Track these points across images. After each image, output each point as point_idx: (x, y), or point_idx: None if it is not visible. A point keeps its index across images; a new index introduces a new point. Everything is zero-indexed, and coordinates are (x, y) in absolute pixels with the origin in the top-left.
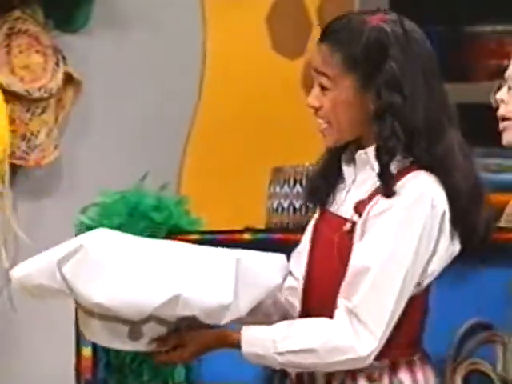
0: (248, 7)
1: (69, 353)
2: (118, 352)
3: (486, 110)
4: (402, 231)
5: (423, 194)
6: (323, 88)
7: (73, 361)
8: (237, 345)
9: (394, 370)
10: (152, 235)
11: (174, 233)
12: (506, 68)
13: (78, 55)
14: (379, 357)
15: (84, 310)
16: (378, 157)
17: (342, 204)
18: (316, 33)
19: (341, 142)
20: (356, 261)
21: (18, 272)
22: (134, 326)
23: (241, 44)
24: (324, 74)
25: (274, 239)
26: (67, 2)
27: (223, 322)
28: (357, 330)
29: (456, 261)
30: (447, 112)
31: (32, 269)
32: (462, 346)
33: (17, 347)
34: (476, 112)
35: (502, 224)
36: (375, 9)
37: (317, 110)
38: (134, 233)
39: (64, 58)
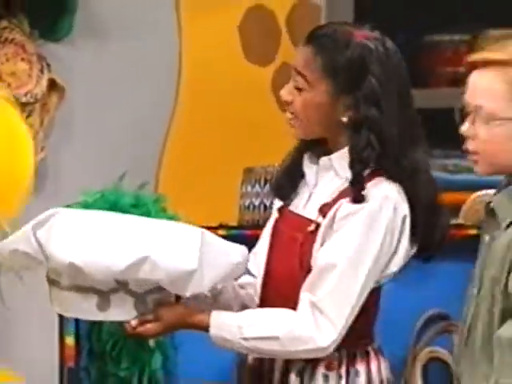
0: (221, 17)
1: (52, 342)
2: (99, 340)
3: (445, 115)
4: (367, 232)
5: (387, 198)
6: (299, 88)
7: (57, 350)
8: (205, 327)
9: (351, 359)
10: None
11: None
12: (462, 75)
13: (61, 63)
14: (338, 347)
15: (54, 284)
16: (352, 165)
17: (305, 205)
18: (285, 41)
19: (308, 136)
20: (322, 258)
21: None
22: (103, 296)
23: (215, 51)
24: (302, 75)
25: (246, 235)
26: (51, 13)
27: (187, 294)
28: (319, 322)
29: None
30: (417, 130)
31: (9, 238)
32: (421, 335)
33: (1, 338)
34: (435, 116)
35: (459, 221)
36: (361, 24)
37: (288, 103)
38: None
39: (48, 65)
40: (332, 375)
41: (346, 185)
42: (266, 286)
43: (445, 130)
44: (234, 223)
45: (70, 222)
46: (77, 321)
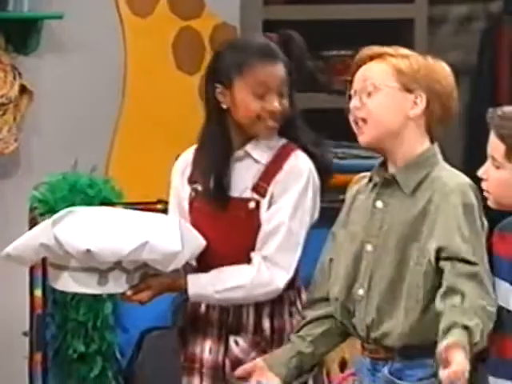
0: (157, 36)
1: (24, 294)
2: (61, 292)
3: (337, 113)
4: (302, 198)
5: (310, 170)
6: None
7: (27, 300)
8: (184, 288)
9: (298, 294)
10: (87, 206)
11: (103, 204)
12: (349, 80)
13: (30, 72)
14: (291, 286)
15: (60, 268)
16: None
17: (235, 188)
18: (208, 54)
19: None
20: (269, 222)
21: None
22: (102, 274)
23: (153, 64)
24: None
25: None
26: (22, 32)
27: (169, 269)
28: (273, 270)
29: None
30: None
31: (29, 233)
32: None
33: None
34: (329, 114)
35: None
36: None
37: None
38: (73, 204)
39: (20, 73)
40: (294, 310)
41: (266, 165)
42: (207, 262)
43: (336, 126)
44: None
45: (83, 218)
46: (44, 277)
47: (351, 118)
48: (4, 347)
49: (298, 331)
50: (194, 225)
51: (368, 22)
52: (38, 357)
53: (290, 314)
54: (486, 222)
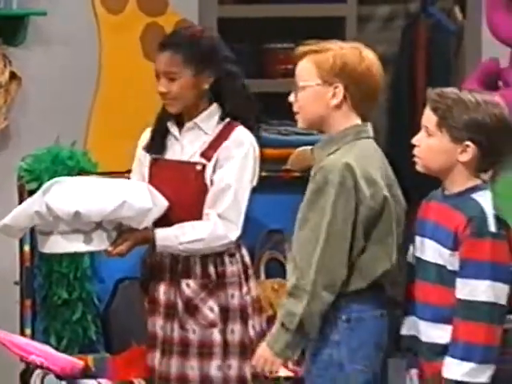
0: (128, 31)
1: (14, 249)
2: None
3: (280, 97)
4: (244, 164)
5: (251, 141)
6: (171, 78)
7: (17, 254)
8: (152, 241)
9: (239, 248)
10: (68, 175)
11: (81, 173)
12: (291, 70)
13: (19, 60)
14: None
15: (48, 234)
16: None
17: (181, 155)
18: None
19: (181, 109)
20: (218, 184)
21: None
22: (86, 235)
23: (124, 54)
24: (168, 72)
25: None
26: (12, 27)
27: (142, 226)
28: (227, 224)
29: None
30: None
31: (23, 204)
32: (266, 242)
33: None
34: (273, 98)
35: (287, 167)
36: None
37: (165, 93)
38: (55, 173)
39: (10, 62)
40: (233, 260)
41: (213, 137)
42: (165, 219)
43: (280, 107)
44: None
45: (69, 186)
46: (31, 235)
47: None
48: None
49: None
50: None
51: (307, 19)
52: (28, 303)
53: (231, 263)
54: (352, 199)
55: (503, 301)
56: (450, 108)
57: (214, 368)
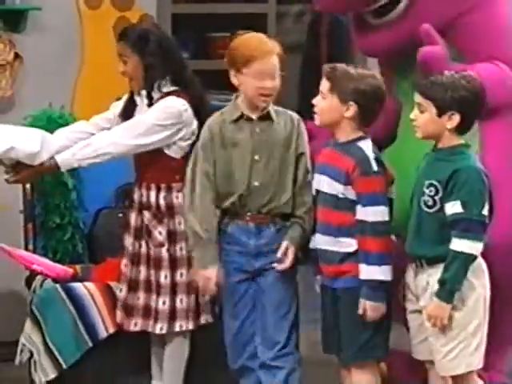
0: (103, 23)
1: (19, 186)
2: (43, 184)
3: (218, 73)
4: (158, 110)
5: (180, 107)
6: (125, 61)
7: (21, 190)
8: (55, 165)
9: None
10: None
11: None
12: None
13: (21, 44)
14: (181, 179)
15: None
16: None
17: (140, 112)
18: None
19: (138, 88)
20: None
21: None
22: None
23: (100, 40)
24: (123, 56)
25: None
26: (16, 18)
27: (36, 163)
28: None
29: None
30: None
31: None
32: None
33: None
34: (214, 75)
35: None
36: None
37: (125, 72)
38: (49, 130)
39: (14, 45)
40: (180, 195)
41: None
42: None
43: (219, 81)
44: None
45: None
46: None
47: None
48: (8, 220)
49: None
50: None
51: (239, 14)
52: (30, 226)
53: (177, 197)
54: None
55: (387, 217)
56: (339, 77)
57: (162, 277)
